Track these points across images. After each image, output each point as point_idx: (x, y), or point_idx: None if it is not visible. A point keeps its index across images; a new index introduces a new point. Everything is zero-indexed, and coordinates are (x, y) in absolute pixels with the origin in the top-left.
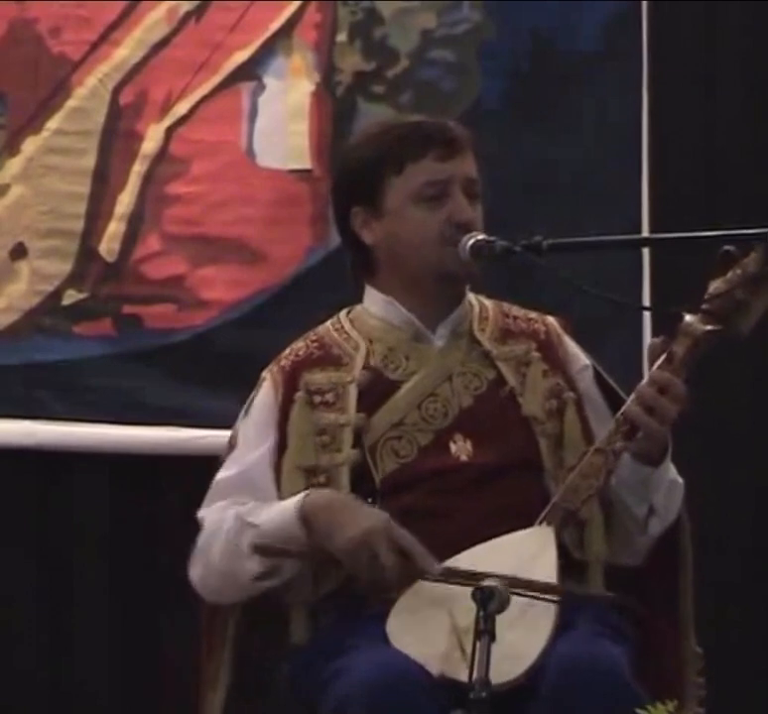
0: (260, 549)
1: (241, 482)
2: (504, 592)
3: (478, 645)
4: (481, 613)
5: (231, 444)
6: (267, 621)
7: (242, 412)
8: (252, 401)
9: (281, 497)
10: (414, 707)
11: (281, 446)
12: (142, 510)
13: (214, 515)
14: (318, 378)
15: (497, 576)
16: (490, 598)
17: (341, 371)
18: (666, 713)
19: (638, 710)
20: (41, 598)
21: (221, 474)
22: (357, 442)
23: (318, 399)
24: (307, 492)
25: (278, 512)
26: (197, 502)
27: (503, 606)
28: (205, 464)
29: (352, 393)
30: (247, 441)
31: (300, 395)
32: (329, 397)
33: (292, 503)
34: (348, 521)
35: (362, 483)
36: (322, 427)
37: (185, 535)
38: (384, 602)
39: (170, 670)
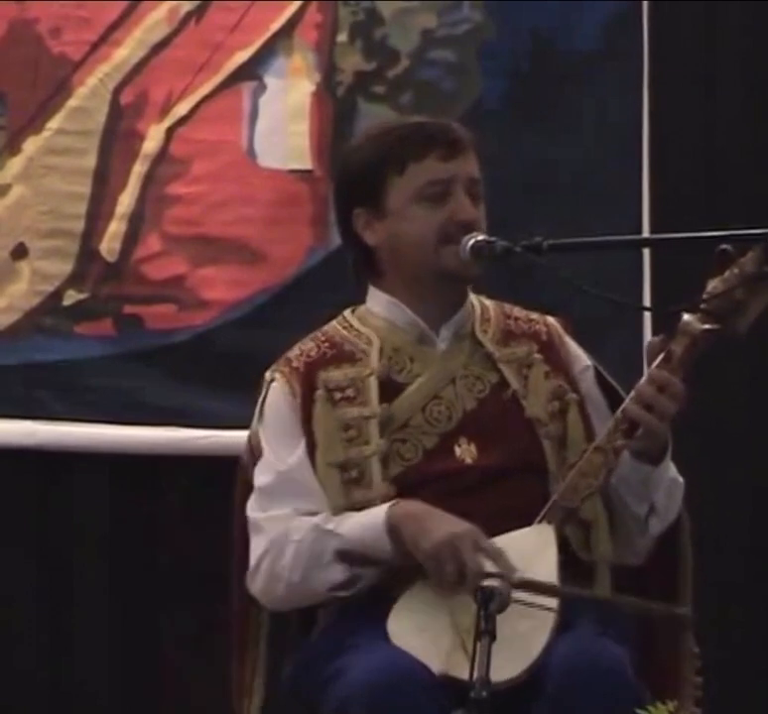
0: (345, 557)
1: (289, 485)
2: (505, 592)
3: (479, 644)
4: (482, 612)
5: (254, 453)
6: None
7: (256, 417)
8: (264, 404)
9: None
10: (415, 707)
11: (310, 447)
12: (142, 510)
13: (278, 524)
14: (334, 375)
15: (568, 590)
16: (491, 598)
17: (358, 366)
18: (666, 713)
19: (639, 710)
20: (41, 598)
21: (263, 479)
22: (383, 433)
23: (338, 395)
24: (394, 501)
25: (362, 521)
26: (198, 502)
27: (504, 606)
28: (206, 464)
29: (373, 385)
30: (278, 445)
31: (320, 393)
32: (350, 392)
33: (378, 512)
34: (436, 526)
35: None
36: (347, 422)
37: (185, 535)
38: (384, 601)
39: (170, 670)
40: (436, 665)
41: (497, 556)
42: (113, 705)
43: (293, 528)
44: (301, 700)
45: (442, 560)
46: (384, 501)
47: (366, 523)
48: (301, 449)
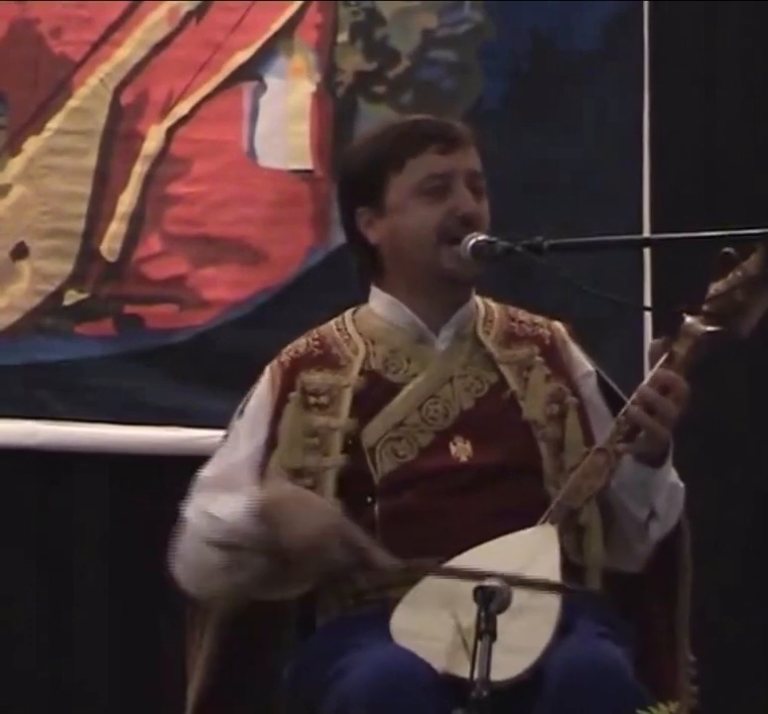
0: (216, 544)
1: (223, 481)
2: (506, 592)
3: (479, 644)
4: (483, 613)
5: (225, 436)
6: (253, 619)
7: (241, 404)
8: (250, 395)
9: None
10: (416, 707)
11: (270, 444)
12: (142, 510)
13: (191, 512)
14: (314, 378)
15: (484, 573)
16: (492, 598)
17: (338, 374)
18: None
19: (640, 711)
20: (41, 598)
21: (206, 471)
22: (347, 448)
23: (312, 400)
24: (261, 486)
25: (234, 504)
26: None
27: (504, 606)
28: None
29: (347, 397)
30: (237, 438)
31: (294, 395)
32: (324, 399)
33: (247, 496)
34: (300, 519)
35: (359, 485)
36: (314, 429)
37: None
38: (385, 601)
39: (170, 670)
40: (439, 664)
41: (365, 544)
42: (113, 705)
43: (196, 513)
44: (301, 700)
45: (308, 557)
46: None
47: (236, 506)
48: (252, 446)
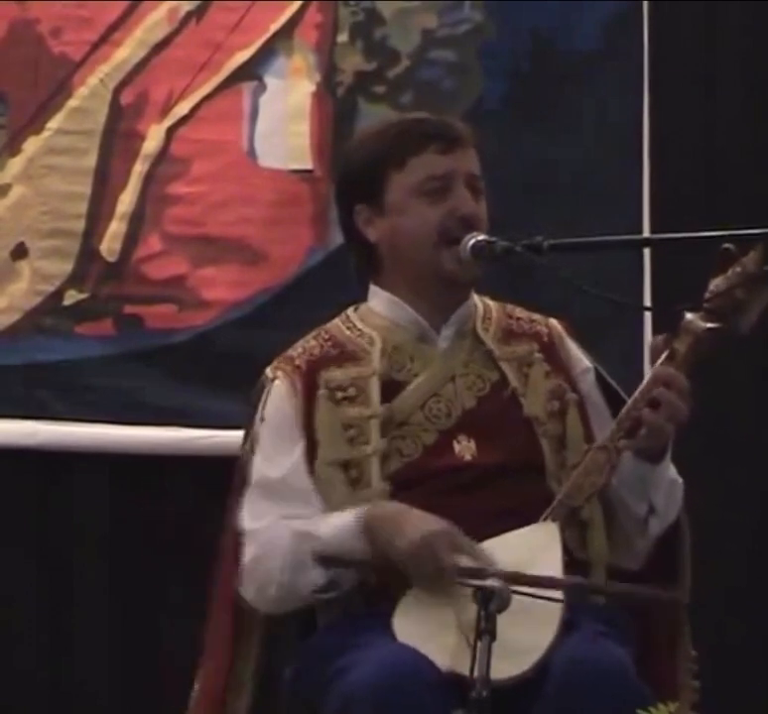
0: (322, 560)
1: (282, 491)
2: (505, 591)
3: (479, 644)
4: (483, 612)
5: (253, 450)
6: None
7: (258, 414)
8: (265, 402)
9: (322, 497)
10: (419, 705)
11: (311, 447)
12: (142, 510)
13: (264, 528)
14: (336, 375)
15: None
16: (491, 597)
17: (360, 365)
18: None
19: (641, 711)
20: (41, 598)
21: (257, 480)
22: (384, 432)
23: (340, 395)
24: (367, 505)
25: (338, 523)
26: (198, 502)
27: (504, 605)
28: (206, 464)
29: (375, 385)
30: (274, 447)
31: (322, 392)
32: (352, 391)
33: (352, 514)
34: (410, 527)
35: None
36: (349, 421)
37: (185, 536)
38: (387, 600)
39: (170, 670)
40: (442, 663)
41: (474, 553)
42: (113, 705)
43: (279, 532)
44: (302, 700)
45: (418, 560)
46: (381, 499)
47: (340, 525)
48: (297, 452)
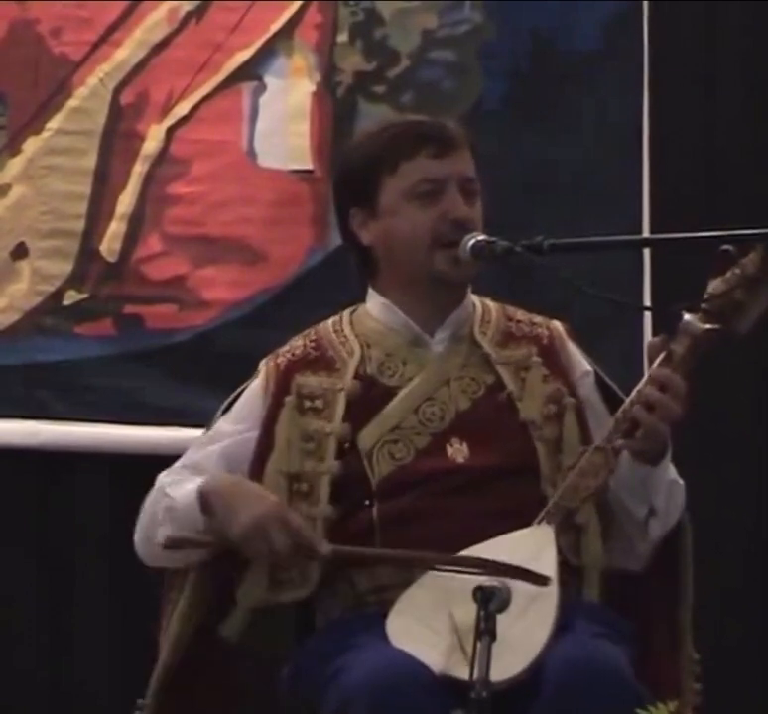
0: (169, 541)
1: (192, 465)
2: (505, 591)
3: (479, 644)
4: (482, 612)
5: (207, 429)
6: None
7: (227, 400)
8: (242, 390)
9: None
10: (415, 707)
11: (265, 447)
12: None
13: (154, 488)
14: (309, 381)
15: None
16: (491, 597)
17: (333, 377)
18: (667, 713)
19: (639, 710)
20: (41, 598)
21: (184, 457)
22: (342, 453)
23: (307, 404)
24: (208, 476)
25: (188, 491)
26: None
27: (504, 605)
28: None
29: (341, 402)
30: (219, 430)
31: (290, 398)
32: (319, 403)
33: (196, 486)
34: (242, 509)
35: (357, 488)
36: (309, 434)
37: None
38: (384, 602)
39: None
40: (436, 665)
41: (303, 531)
42: (113, 705)
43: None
44: (300, 700)
45: (252, 543)
46: (325, 522)
47: (188, 494)
48: (240, 435)
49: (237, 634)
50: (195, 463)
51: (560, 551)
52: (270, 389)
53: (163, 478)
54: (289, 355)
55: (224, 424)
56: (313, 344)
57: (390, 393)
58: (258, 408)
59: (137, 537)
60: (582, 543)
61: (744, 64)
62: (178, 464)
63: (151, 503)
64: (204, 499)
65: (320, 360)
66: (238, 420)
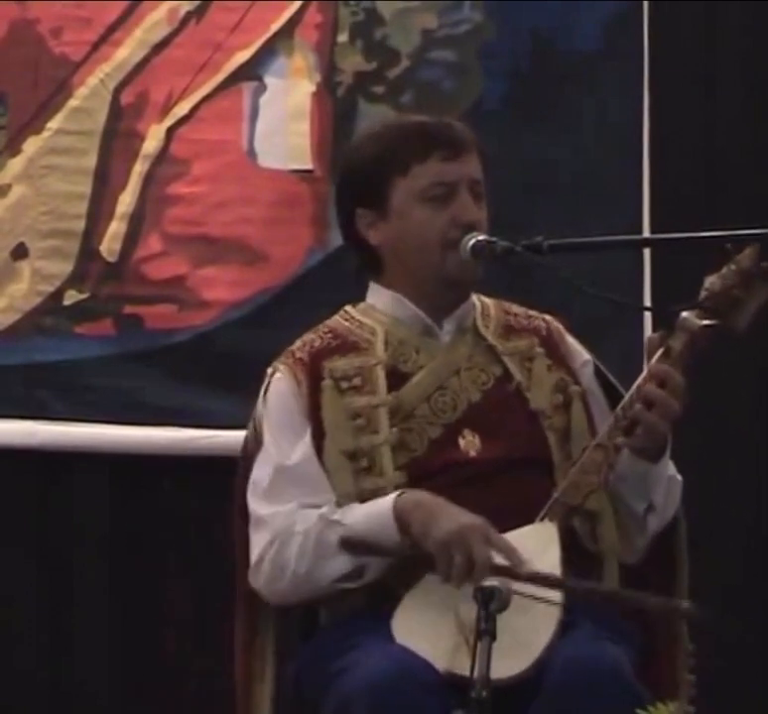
0: (350, 546)
1: (294, 479)
2: (505, 591)
3: (479, 644)
4: (483, 612)
5: (258, 441)
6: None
7: (259, 408)
8: (266, 395)
9: (332, 485)
10: (417, 706)
11: (317, 435)
12: (142, 510)
13: (282, 518)
14: (340, 364)
15: (576, 585)
16: (491, 597)
17: (363, 355)
18: (667, 713)
19: (639, 710)
20: (41, 598)
21: (265, 473)
22: (393, 421)
23: (345, 384)
24: (400, 491)
25: (368, 510)
26: (198, 502)
27: (505, 605)
28: (206, 464)
29: (380, 374)
30: (281, 437)
31: (326, 382)
32: (357, 381)
33: (385, 501)
34: (446, 517)
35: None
36: (356, 411)
37: (185, 535)
38: (387, 600)
39: (170, 671)
40: (441, 664)
41: (507, 550)
42: (113, 705)
43: (298, 519)
44: (304, 698)
45: (451, 550)
46: (395, 489)
47: (373, 512)
48: (305, 441)
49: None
50: (303, 478)
51: (574, 541)
52: (302, 381)
53: (297, 512)
54: (308, 348)
55: (288, 438)
56: (330, 335)
57: (405, 379)
58: (296, 407)
59: (273, 578)
60: (598, 531)
61: (744, 64)
62: (277, 488)
63: (308, 537)
64: (399, 512)
65: (344, 345)
66: (296, 428)
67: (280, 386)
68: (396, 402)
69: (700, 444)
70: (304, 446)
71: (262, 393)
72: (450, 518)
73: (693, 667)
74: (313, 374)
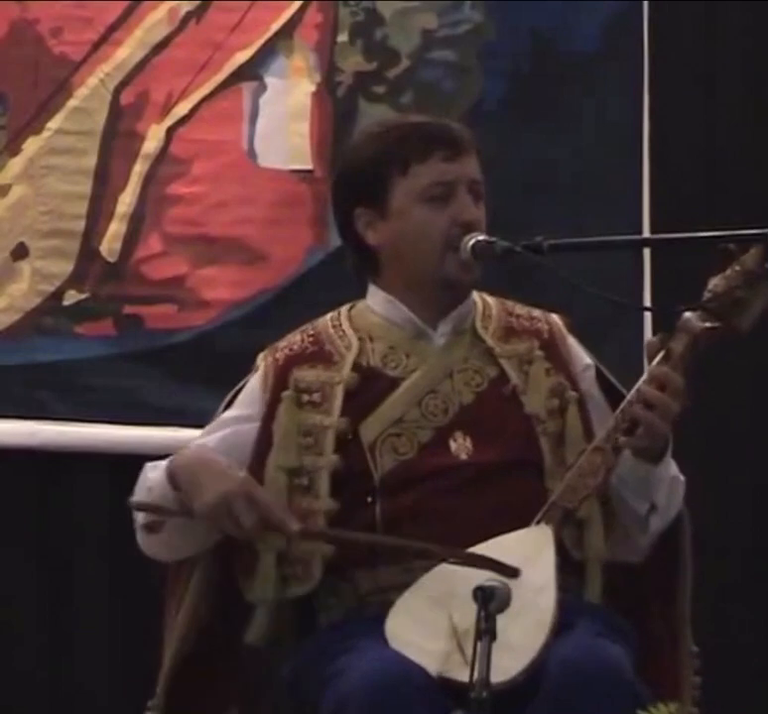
0: (136, 505)
1: (217, 443)
2: (506, 591)
3: (479, 644)
4: (482, 612)
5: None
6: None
7: (229, 396)
8: (243, 386)
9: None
10: (412, 709)
11: (264, 444)
12: None
13: None
14: (307, 375)
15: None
16: (491, 598)
17: (331, 370)
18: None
19: (640, 711)
20: (41, 598)
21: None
22: (341, 447)
23: (305, 398)
24: (177, 453)
25: (161, 468)
26: None
27: (504, 605)
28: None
29: (339, 395)
30: (220, 424)
31: (287, 393)
32: (316, 397)
33: (165, 463)
34: (207, 484)
35: (358, 483)
36: (308, 428)
37: None
38: (385, 603)
39: None
40: (433, 667)
41: (271, 507)
42: (113, 705)
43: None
44: (299, 701)
45: (218, 521)
46: (327, 516)
47: (161, 469)
48: (241, 425)
49: (262, 638)
50: (222, 446)
51: (563, 546)
52: (269, 384)
53: (148, 464)
54: (287, 350)
55: (226, 414)
56: (311, 339)
57: (393, 384)
58: (258, 401)
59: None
60: (585, 538)
61: (744, 64)
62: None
63: (136, 489)
64: (171, 474)
65: (318, 354)
66: (240, 410)
67: (253, 382)
68: (346, 427)
69: (698, 443)
70: (224, 432)
71: (242, 383)
72: (211, 487)
73: (697, 669)
74: (279, 380)
